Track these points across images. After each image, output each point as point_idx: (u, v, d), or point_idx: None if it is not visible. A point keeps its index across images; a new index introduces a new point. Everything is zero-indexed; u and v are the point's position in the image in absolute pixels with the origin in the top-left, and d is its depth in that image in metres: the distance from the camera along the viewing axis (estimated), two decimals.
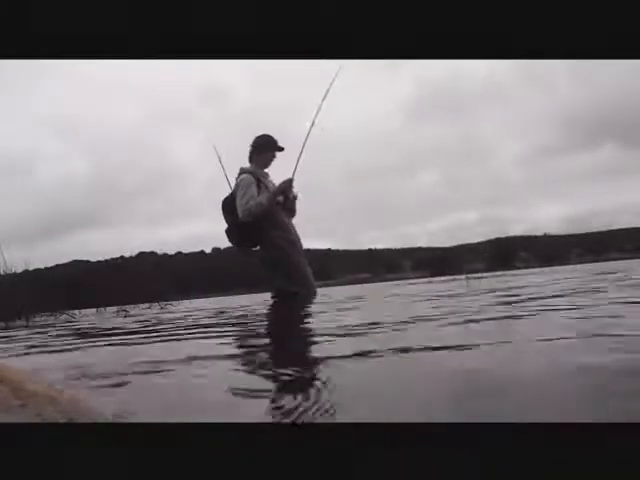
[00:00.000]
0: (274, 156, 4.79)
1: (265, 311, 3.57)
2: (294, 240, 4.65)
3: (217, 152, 5.04)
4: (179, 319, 3.55)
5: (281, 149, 4.78)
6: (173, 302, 8.90)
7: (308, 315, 2.70)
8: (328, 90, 4.82)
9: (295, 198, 4.73)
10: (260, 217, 4.47)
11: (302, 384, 0.92)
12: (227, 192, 4.77)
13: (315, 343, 1.55)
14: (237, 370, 1.13)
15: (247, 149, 4.80)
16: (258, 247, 4.76)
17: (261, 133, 4.85)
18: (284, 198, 4.65)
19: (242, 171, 4.69)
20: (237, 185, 4.63)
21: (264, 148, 4.74)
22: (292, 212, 4.79)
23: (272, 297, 4.76)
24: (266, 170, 4.82)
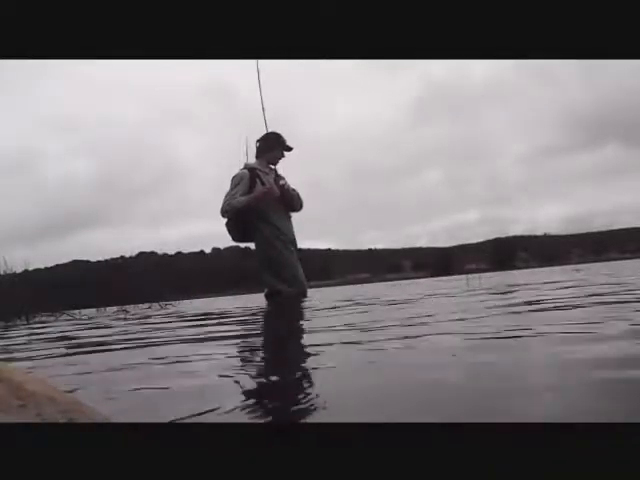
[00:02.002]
0: (283, 155, 4.73)
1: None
2: (286, 238, 4.61)
3: (246, 144, 4.92)
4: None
5: (289, 149, 4.72)
6: (173, 302, 8.89)
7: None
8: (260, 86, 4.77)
9: (284, 186, 4.58)
10: (238, 215, 4.45)
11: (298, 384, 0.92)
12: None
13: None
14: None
15: (251, 146, 4.76)
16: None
17: (270, 131, 4.79)
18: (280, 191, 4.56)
19: (244, 166, 4.67)
20: (231, 180, 4.60)
21: (272, 146, 4.69)
22: (291, 203, 4.69)
23: (265, 295, 4.74)
24: (273, 167, 4.74)
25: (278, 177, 4.68)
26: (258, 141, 4.77)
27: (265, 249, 4.58)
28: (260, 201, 4.47)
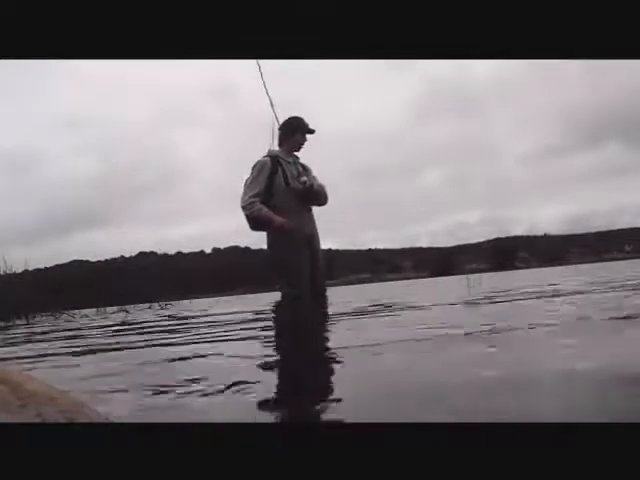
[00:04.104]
0: (304, 139, 4.53)
1: None
2: (298, 238, 4.49)
3: (272, 130, 4.80)
4: None
5: (311, 131, 4.53)
6: (173, 302, 8.89)
7: None
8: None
9: (305, 183, 4.36)
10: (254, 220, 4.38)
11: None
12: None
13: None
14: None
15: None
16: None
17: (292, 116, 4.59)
18: (303, 186, 4.37)
19: (267, 153, 4.53)
20: (252, 168, 4.42)
21: (293, 131, 4.49)
22: (316, 200, 4.50)
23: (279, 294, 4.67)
24: (296, 154, 4.55)
25: (304, 171, 4.51)
26: (280, 128, 4.56)
27: (275, 249, 4.50)
28: (276, 230, 4.37)
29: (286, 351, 1.51)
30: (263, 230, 4.49)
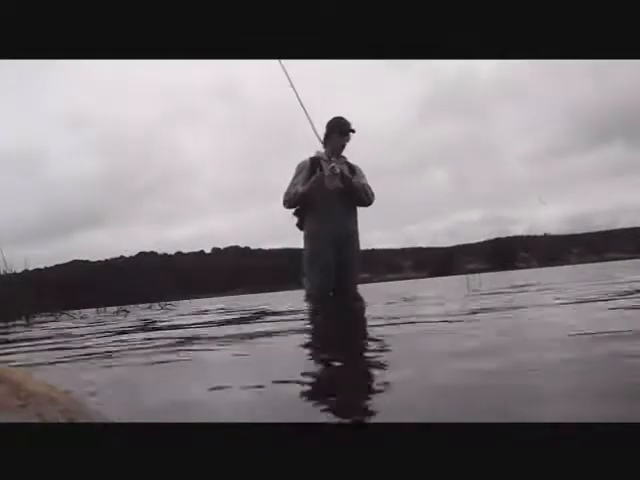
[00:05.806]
0: (343, 139, 4.57)
1: None
2: (330, 233, 4.43)
3: (307, 115, 4.75)
4: None
5: (350, 131, 4.58)
6: (173, 302, 8.89)
7: None
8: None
9: (333, 168, 4.40)
10: (299, 204, 4.47)
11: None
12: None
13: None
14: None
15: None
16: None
17: (336, 116, 4.65)
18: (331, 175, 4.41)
19: (314, 155, 4.60)
20: (295, 168, 4.59)
21: (331, 131, 4.57)
22: (355, 196, 4.52)
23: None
24: (342, 154, 4.60)
25: (349, 166, 4.52)
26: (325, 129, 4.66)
27: (305, 246, 4.58)
28: (311, 190, 4.38)
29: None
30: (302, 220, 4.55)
